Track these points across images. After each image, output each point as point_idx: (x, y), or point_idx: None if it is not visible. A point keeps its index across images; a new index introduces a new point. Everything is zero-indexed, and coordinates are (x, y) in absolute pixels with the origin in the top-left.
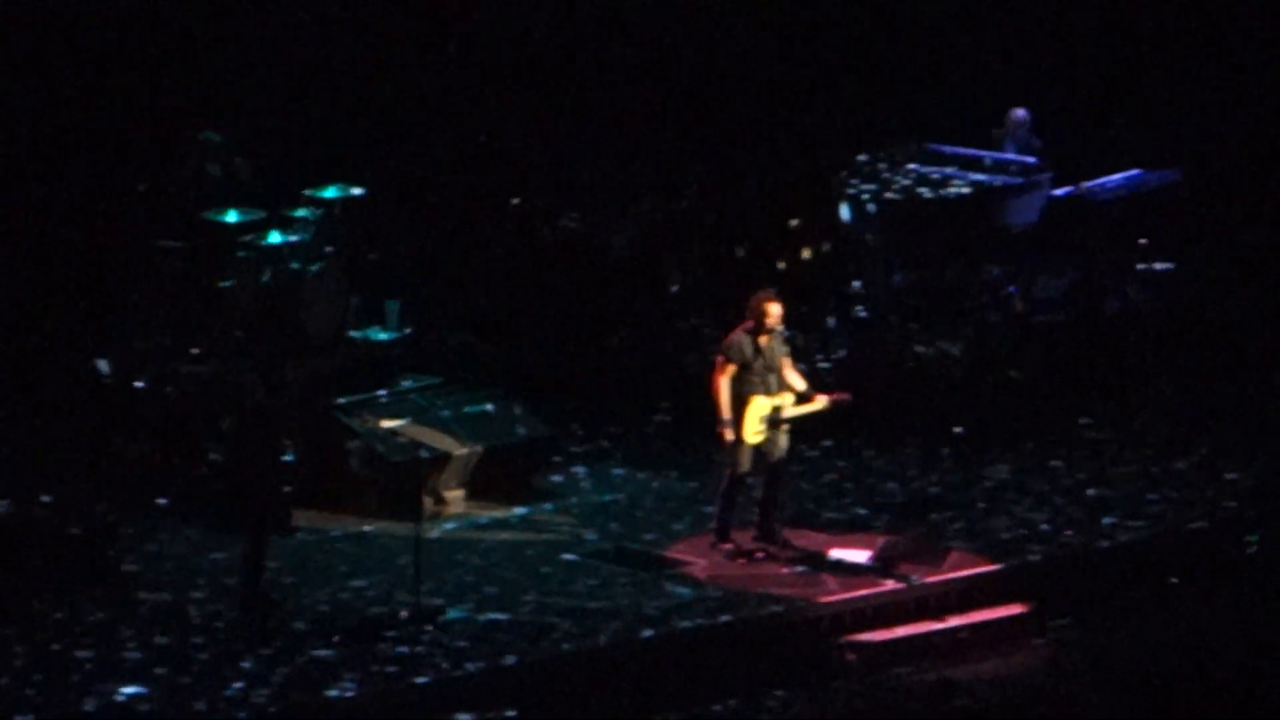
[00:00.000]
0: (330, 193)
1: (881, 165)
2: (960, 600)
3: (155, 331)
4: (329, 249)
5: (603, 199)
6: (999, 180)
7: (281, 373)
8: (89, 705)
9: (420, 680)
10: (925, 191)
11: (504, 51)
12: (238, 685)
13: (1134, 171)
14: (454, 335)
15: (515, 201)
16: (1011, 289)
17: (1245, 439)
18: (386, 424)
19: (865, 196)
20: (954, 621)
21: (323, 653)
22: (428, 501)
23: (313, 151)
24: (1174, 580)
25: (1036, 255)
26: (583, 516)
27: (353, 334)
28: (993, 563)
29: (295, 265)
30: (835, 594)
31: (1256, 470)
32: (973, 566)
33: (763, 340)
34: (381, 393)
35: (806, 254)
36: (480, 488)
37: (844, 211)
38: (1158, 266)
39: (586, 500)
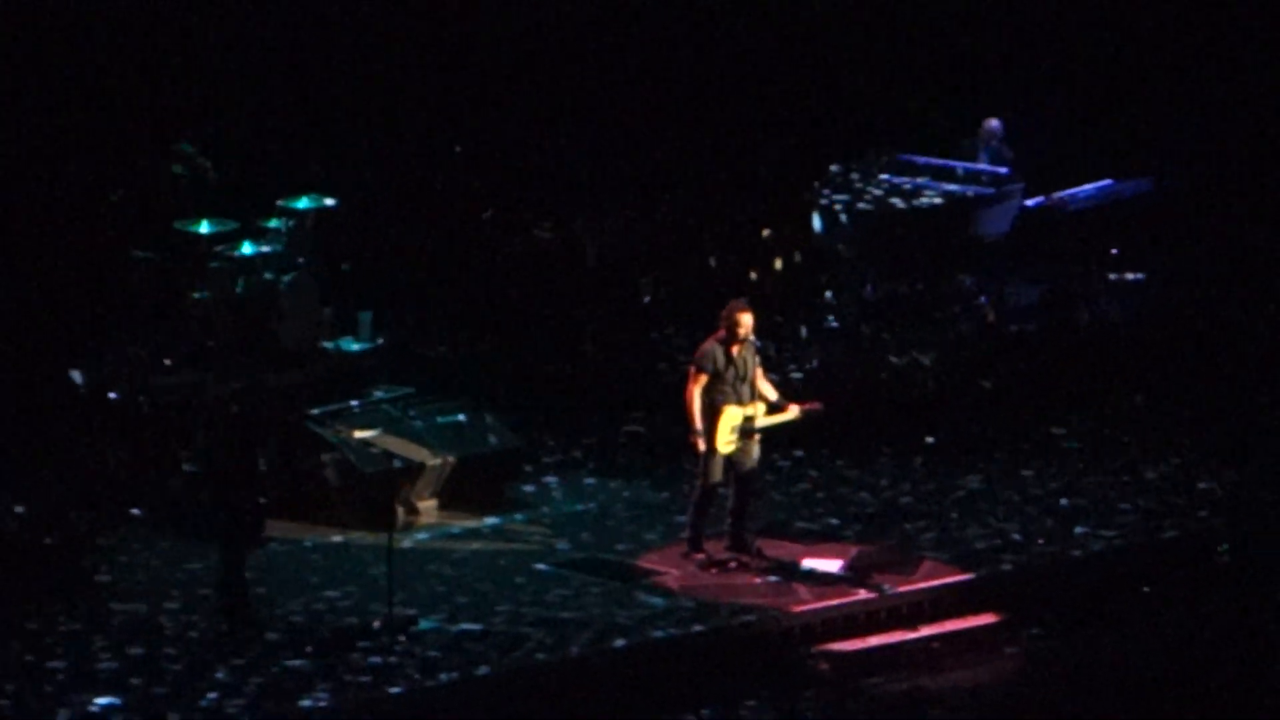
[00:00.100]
0: (303, 203)
1: (854, 175)
2: (933, 610)
3: (129, 342)
4: (301, 259)
5: (575, 210)
6: (971, 191)
7: (255, 383)
8: (62, 716)
9: (393, 690)
10: (897, 202)
11: (478, 63)
12: (211, 696)
13: (1105, 181)
14: (426, 346)
15: (487, 214)
16: (983, 299)
17: (1217, 449)
18: (359, 434)
19: (837, 207)
20: (926, 631)
21: (296, 663)
22: (400, 511)
23: (285, 162)
24: (1146, 590)
25: (1008, 265)
26: (555, 526)
27: (325, 344)
28: (965, 572)
29: (268, 276)
30: (807, 604)
31: (1228, 480)
32: (945, 576)
33: (735, 350)
34: (354, 403)
35: (779, 264)
36: (452, 498)
37: (816, 222)
38: (1129, 276)
39: (558, 510)
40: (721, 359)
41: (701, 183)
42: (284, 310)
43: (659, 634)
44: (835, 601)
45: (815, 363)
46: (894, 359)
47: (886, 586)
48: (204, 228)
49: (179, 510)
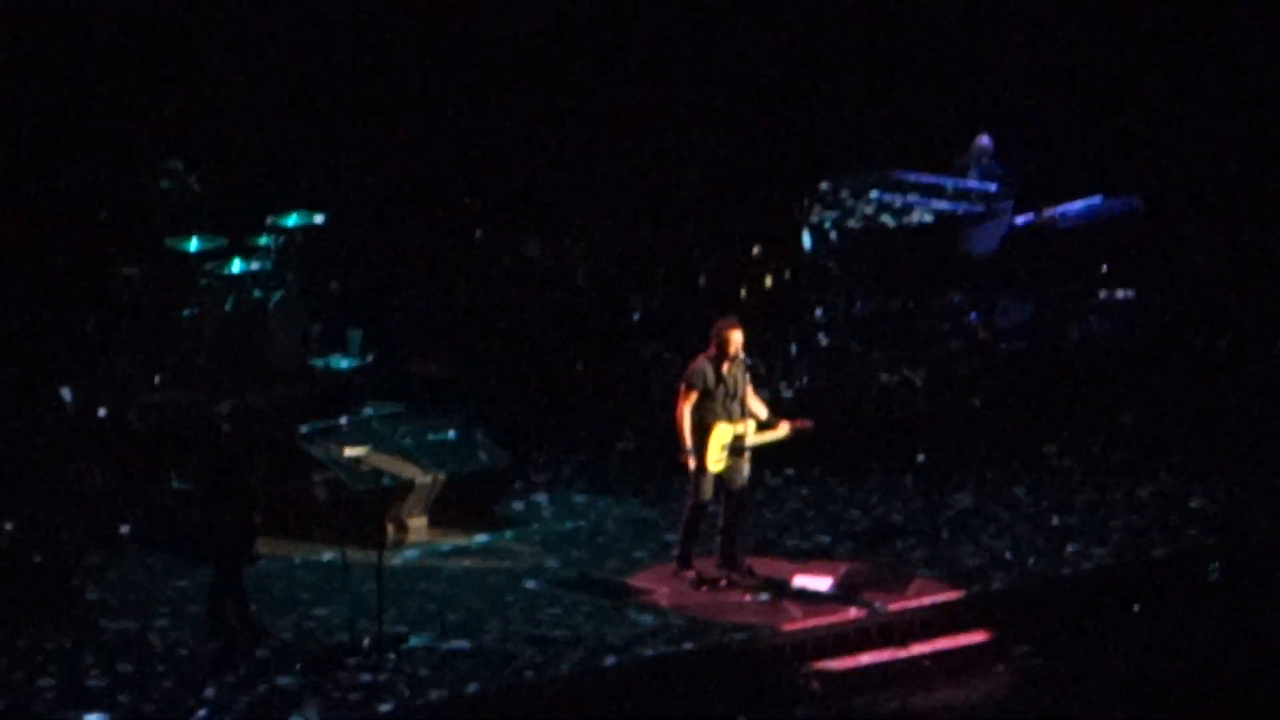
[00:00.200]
0: (291, 220)
1: (844, 193)
2: (923, 628)
3: (118, 359)
4: (290, 277)
5: (565, 227)
6: (961, 208)
7: (245, 401)
8: None
9: (383, 708)
10: (887, 219)
11: (468, 80)
12: (201, 713)
13: (1095, 198)
14: (416, 363)
15: (478, 234)
16: (973, 316)
17: (1207, 467)
18: (349, 452)
19: (827, 224)
20: (917, 649)
21: (285, 680)
22: (390, 529)
23: (274, 178)
24: (1137, 608)
25: (998, 283)
26: (545, 544)
27: (314, 362)
28: (956, 590)
29: (257, 293)
30: (798, 622)
31: (1219, 498)
32: (936, 594)
33: (725, 368)
34: (343, 420)
35: (769, 281)
36: (443, 515)
37: (806, 239)
38: (1119, 294)
39: (549, 528)
40: (712, 376)
41: (691, 200)
42: (273, 328)
43: (649, 652)
44: (826, 619)
45: (805, 380)
46: (884, 377)
47: (877, 604)
48: (193, 245)
49: (168, 527)
